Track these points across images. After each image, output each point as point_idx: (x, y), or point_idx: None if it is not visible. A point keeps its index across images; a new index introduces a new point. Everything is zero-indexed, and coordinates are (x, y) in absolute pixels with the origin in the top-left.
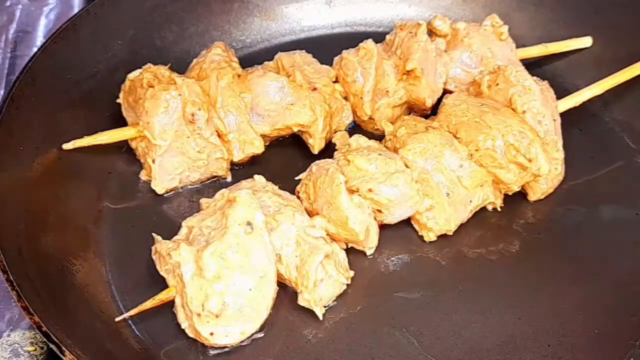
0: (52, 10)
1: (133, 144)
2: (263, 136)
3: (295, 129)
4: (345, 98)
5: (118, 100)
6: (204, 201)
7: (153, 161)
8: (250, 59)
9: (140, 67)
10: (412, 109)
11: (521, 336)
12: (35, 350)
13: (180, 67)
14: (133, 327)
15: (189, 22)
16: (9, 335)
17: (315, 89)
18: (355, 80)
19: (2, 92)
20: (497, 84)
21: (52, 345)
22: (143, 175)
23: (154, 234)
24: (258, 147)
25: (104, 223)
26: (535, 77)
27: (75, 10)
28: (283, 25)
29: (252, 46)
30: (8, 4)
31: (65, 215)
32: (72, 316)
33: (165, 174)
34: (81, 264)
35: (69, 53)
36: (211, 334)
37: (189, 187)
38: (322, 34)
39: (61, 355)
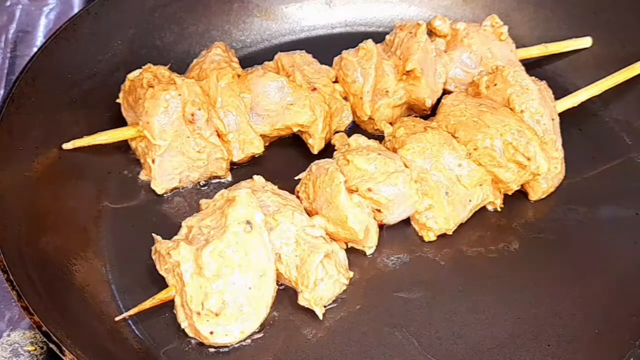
0: (52, 10)
1: (133, 144)
2: (263, 136)
3: (295, 129)
4: (345, 98)
5: (118, 100)
6: (203, 202)
7: (153, 161)
8: (250, 59)
9: (140, 67)
10: (412, 109)
11: (521, 336)
12: (35, 350)
13: (180, 67)
14: (133, 326)
15: (189, 22)
16: (9, 335)
17: (315, 89)
18: (355, 81)
19: (2, 92)
20: (495, 84)
21: (52, 345)
22: (143, 175)
23: (153, 234)
24: (258, 147)
25: (104, 223)
26: (533, 77)
27: (75, 10)
28: (283, 25)
29: (252, 46)
30: (8, 4)
31: (65, 215)
32: (72, 316)
33: (165, 174)
34: (81, 263)
35: (69, 53)
36: (211, 333)
37: (189, 187)
38: (322, 34)
39: (61, 355)
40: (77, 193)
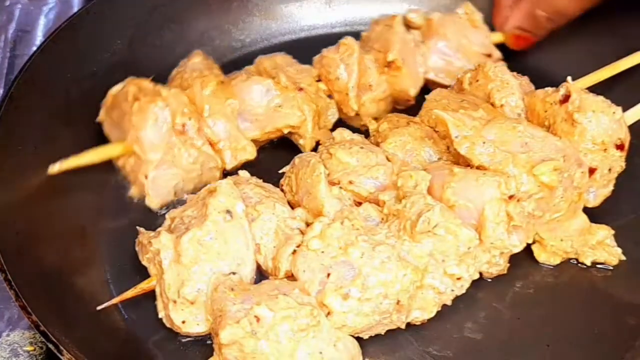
0: (52, 9)
1: (120, 162)
2: (253, 141)
3: (286, 131)
4: (330, 96)
5: (99, 118)
6: (189, 196)
7: (146, 177)
8: (251, 59)
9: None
10: (396, 102)
11: (521, 336)
12: (34, 350)
13: None
14: (132, 326)
15: (188, 22)
16: (8, 335)
17: (301, 89)
18: (339, 77)
19: (1, 91)
20: (478, 80)
21: (49, 345)
22: (133, 193)
23: (137, 227)
24: (251, 153)
25: (104, 224)
26: (514, 72)
27: (75, 9)
28: (283, 24)
29: (252, 45)
30: (7, 3)
31: (64, 217)
32: (70, 315)
33: (159, 188)
34: (81, 263)
35: (68, 52)
36: (183, 322)
37: (184, 198)
38: (321, 33)
39: (59, 355)
40: (78, 196)
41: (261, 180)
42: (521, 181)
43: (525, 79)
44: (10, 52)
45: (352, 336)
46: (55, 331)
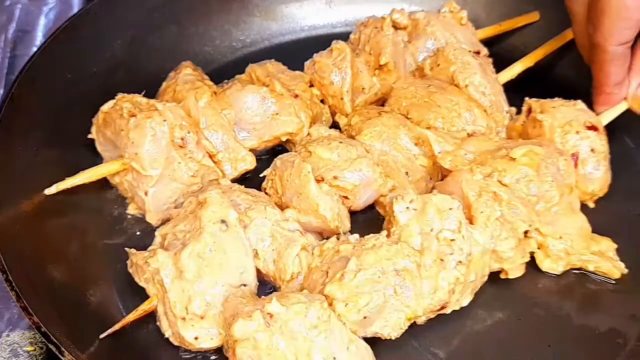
0: (52, 10)
1: (116, 179)
2: (251, 150)
3: (284, 139)
4: (322, 101)
5: (90, 136)
6: (174, 211)
7: (146, 193)
8: (251, 59)
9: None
10: (384, 104)
11: (521, 336)
12: (34, 350)
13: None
14: (131, 327)
15: (188, 22)
16: (8, 335)
17: (296, 95)
18: (333, 82)
19: (1, 91)
20: (439, 64)
21: (50, 346)
22: (131, 210)
23: (126, 249)
24: (250, 163)
25: (105, 227)
26: (472, 52)
27: (75, 10)
28: (283, 25)
29: (252, 46)
30: (7, 3)
31: (66, 216)
32: (71, 316)
33: (159, 204)
34: (82, 264)
35: (69, 53)
36: (196, 338)
37: None
38: (322, 33)
39: (60, 356)
40: (77, 195)
41: (243, 187)
42: (503, 168)
43: (483, 58)
44: (10, 52)
45: (365, 341)
46: (57, 332)
